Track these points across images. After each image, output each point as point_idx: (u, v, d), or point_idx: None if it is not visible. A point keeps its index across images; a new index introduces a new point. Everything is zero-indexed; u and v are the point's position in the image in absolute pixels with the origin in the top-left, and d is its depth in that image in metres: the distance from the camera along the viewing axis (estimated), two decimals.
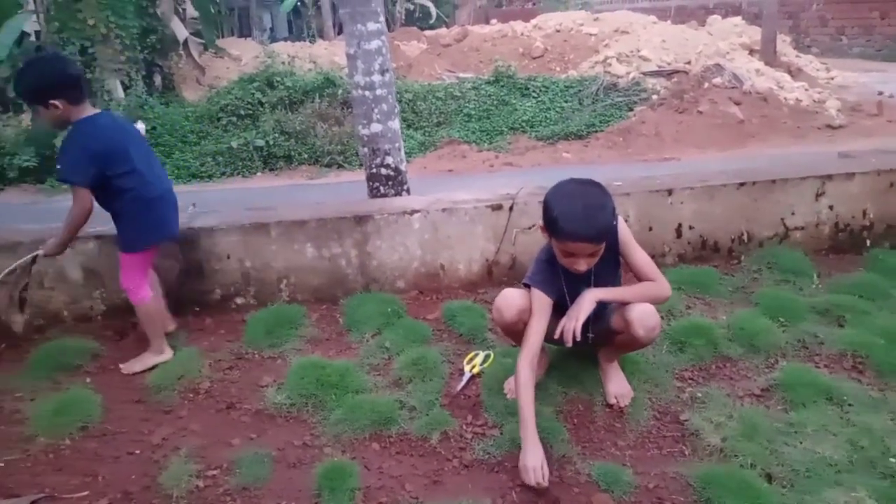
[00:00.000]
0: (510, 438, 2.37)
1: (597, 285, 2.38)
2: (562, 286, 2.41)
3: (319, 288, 3.47)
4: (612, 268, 2.46)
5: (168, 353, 3.00)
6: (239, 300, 3.43)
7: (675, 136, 9.99)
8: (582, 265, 2.25)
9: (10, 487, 2.30)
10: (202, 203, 4.08)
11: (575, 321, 2.25)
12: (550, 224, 2.25)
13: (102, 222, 3.06)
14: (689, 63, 11.82)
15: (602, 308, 2.40)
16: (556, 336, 2.32)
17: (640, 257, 2.41)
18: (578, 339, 2.25)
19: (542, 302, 2.37)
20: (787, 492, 2.09)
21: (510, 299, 2.46)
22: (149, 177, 2.90)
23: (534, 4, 22.59)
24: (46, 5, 13.07)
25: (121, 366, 2.98)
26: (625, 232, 2.40)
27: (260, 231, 3.36)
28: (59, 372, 2.95)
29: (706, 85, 10.74)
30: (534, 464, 2.12)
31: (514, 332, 2.53)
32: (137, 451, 2.43)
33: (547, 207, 2.26)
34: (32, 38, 13.79)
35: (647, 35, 12.66)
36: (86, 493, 2.25)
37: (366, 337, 3.14)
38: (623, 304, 2.36)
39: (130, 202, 2.85)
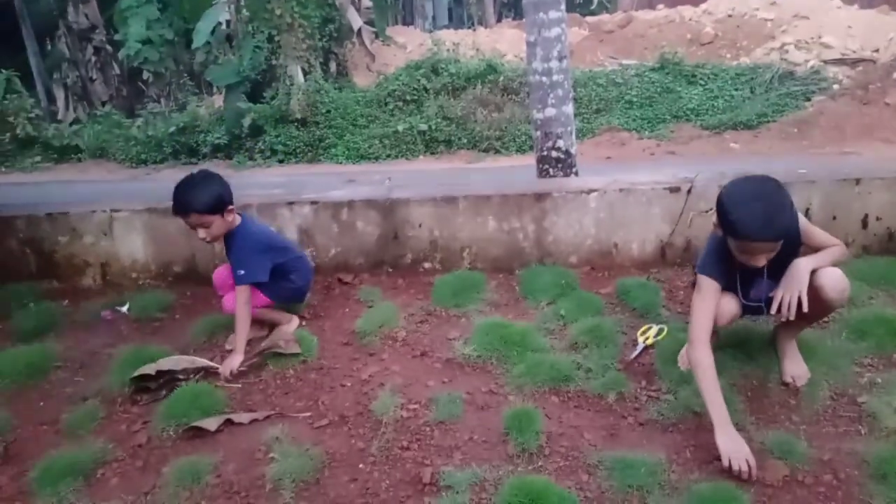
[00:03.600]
0: (684, 404, 2.52)
1: (771, 273, 2.45)
2: (735, 276, 2.49)
3: (498, 258, 3.77)
4: (791, 255, 2.45)
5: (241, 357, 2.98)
6: (427, 265, 3.81)
7: (858, 129, 9.37)
8: (762, 260, 2.32)
9: (248, 404, 2.77)
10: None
11: (797, 292, 2.31)
12: (729, 226, 2.28)
13: (317, 190, 3.50)
14: (876, 51, 10.96)
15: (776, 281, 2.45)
16: (774, 310, 2.39)
17: (819, 236, 2.46)
18: (805, 308, 2.31)
19: (710, 286, 2.43)
20: None
21: (726, 309, 2.50)
22: (305, 258, 3.34)
23: None
24: None
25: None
26: (804, 223, 2.44)
27: (450, 204, 3.71)
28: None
29: (895, 75, 9.93)
30: (746, 454, 2.15)
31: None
32: (349, 384, 2.83)
33: (723, 209, 2.29)
34: (223, 26, 15.24)
35: (831, 20, 11.86)
36: (309, 414, 2.67)
37: (541, 305, 3.39)
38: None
39: (296, 279, 3.25)
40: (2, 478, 2.46)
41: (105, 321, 3.53)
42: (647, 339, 2.95)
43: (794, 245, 2.45)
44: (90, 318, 3.57)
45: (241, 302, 2.98)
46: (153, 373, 2.85)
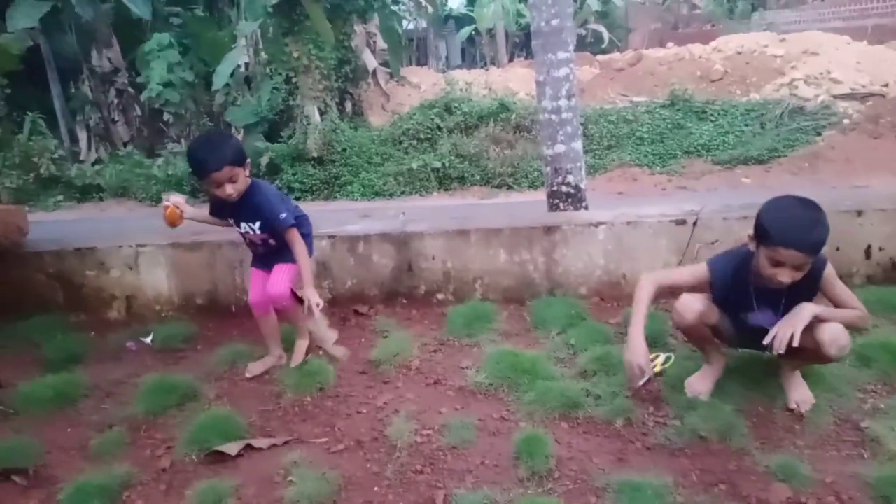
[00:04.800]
0: (691, 429, 2.59)
1: (787, 309, 2.52)
2: (748, 292, 2.58)
3: (509, 289, 3.87)
4: (806, 298, 2.53)
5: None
6: (440, 296, 3.92)
7: (869, 163, 9.42)
8: (786, 276, 2.39)
9: (266, 430, 2.87)
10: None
11: (792, 329, 2.39)
12: (764, 231, 2.39)
13: (334, 225, 3.64)
14: (886, 86, 11.07)
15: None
16: (767, 342, 2.47)
17: (843, 295, 2.54)
18: (795, 343, 2.39)
19: (702, 273, 2.64)
20: None
21: (689, 303, 2.68)
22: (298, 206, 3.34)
23: (712, 26, 22.00)
24: (255, 40, 14.83)
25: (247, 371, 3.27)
26: (830, 272, 2.53)
27: (462, 237, 3.83)
28: None
29: None
30: (638, 360, 2.43)
31: (694, 334, 2.79)
32: (364, 411, 2.93)
33: (762, 215, 2.42)
34: (242, 69, 15.66)
35: (840, 56, 12.00)
36: (326, 439, 2.76)
37: (552, 334, 3.47)
38: (818, 322, 2.46)
39: (304, 229, 3.21)
40: (31, 501, 2.56)
41: (130, 352, 3.66)
42: (654, 366, 3.02)
43: (811, 288, 2.52)
44: (116, 349, 3.71)
45: (298, 242, 3.03)
46: None
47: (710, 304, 2.71)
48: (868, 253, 3.60)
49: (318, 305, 2.95)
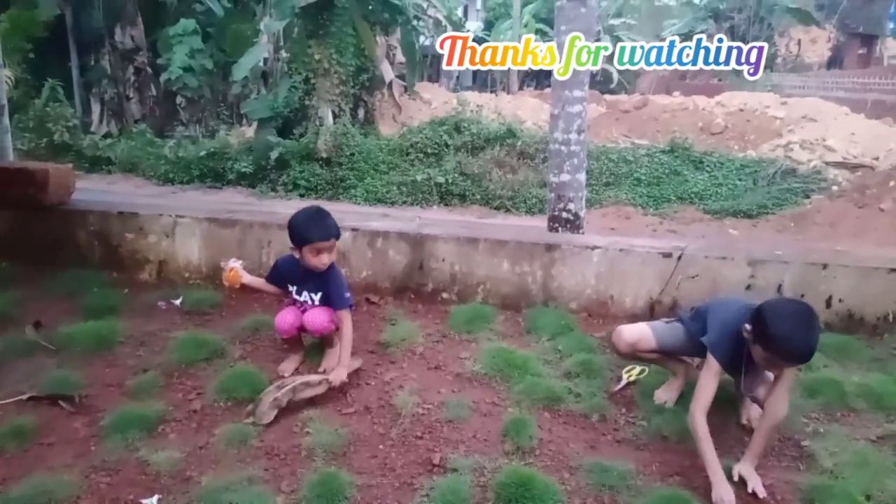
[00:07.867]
0: (656, 429, 3.00)
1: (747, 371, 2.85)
2: (740, 363, 2.81)
3: (508, 296, 4.28)
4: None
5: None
6: (445, 295, 4.32)
7: (851, 230, 9.90)
8: (779, 370, 2.71)
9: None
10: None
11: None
12: (767, 339, 2.53)
13: (357, 220, 4.03)
14: (876, 159, 11.65)
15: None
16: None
17: (788, 384, 2.77)
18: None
19: (717, 368, 2.78)
20: None
21: (624, 335, 3.17)
22: None
23: (719, 81, 22.69)
24: (278, 38, 15.28)
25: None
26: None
27: (471, 244, 4.24)
28: None
29: (892, 183, 10.58)
30: (730, 499, 2.52)
31: (627, 357, 3.28)
32: (372, 383, 3.31)
33: (764, 322, 2.52)
34: (260, 63, 16.09)
35: (837, 126, 12.59)
36: (339, 403, 3.14)
37: (542, 339, 3.87)
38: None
39: None
40: (77, 424, 2.92)
41: (160, 310, 4.03)
42: (630, 376, 3.43)
43: None
44: (148, 306, 4.07)
45: (348, 322, 3.30)
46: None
47: (644, 331, 3.16)
48: (829, 303, 4.03)
49: (337, 381, 3.14)
